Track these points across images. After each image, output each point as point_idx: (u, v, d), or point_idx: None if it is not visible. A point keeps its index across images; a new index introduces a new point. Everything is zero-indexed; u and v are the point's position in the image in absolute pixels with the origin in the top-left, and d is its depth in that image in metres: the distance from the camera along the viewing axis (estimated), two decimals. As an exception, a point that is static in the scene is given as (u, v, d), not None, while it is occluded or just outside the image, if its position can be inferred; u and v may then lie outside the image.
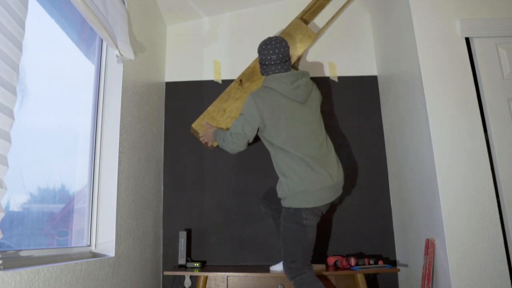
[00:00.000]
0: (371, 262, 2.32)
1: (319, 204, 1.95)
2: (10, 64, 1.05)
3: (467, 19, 2.14)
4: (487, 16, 2.16)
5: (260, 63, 2.13)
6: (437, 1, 2.19)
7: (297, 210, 1.95)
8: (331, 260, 2.42)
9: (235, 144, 2.07)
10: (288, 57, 2.10)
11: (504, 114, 2.05)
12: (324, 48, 2.94)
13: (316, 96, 2.16)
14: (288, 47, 2.11)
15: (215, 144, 2.44)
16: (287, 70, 2.09)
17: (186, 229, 2.66)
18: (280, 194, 2.03)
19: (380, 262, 2.36)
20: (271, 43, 2.07)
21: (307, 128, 2.03)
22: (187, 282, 2.49)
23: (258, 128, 2.04)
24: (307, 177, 1.94)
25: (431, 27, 2.15)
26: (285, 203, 2.00)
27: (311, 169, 1.94)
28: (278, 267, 2.26)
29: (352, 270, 2.24)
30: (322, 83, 2.87)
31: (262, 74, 2.15)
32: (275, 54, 2.05)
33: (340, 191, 2.06)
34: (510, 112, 2.05)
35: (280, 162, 2.02)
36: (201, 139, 2.43)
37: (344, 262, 2.31)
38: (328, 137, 2.13)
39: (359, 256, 2.58)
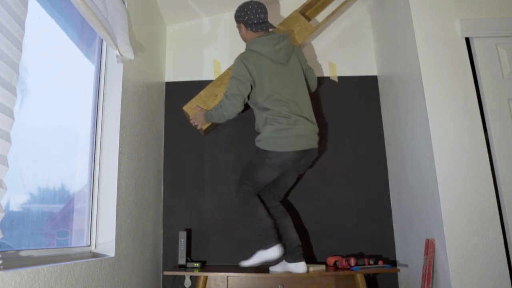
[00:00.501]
0: (371, 262, 2.32)
1: (286, 150, 2.09)
2: (10, 64, 1.05)
3: (467, 19, 2.14)
4: (487, 16, 2.16)
5: (246, 23, 2.26)
6: (437, 1, 2.19)
7: (265, 151, 2.13)
8: (331, 260, 2.42)
9: (233, 105, 2.17)
10: (267, 19, 2.27)
11: (504, 114, 2.05)
12: (324, 48, 2.94)
13: (299, 58, 2.30)
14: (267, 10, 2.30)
15: (204, 127, 2.50)
16: (268, 28, 2.28)
17: (186, 229, 2.66)
18: (256, 139, 2.20)
19: (380, 262, 2.36)
20: (253, 5, 2.24)
21: (288, 88, 2.17)
22: (187, 282, 2.49)
23: (251, 90, 2.19)
24: (282, 127, 2.10)
25: (431, 27, 2.15)
26: (258, 145, 2.18)
27: (287, 122, 2.11)
28: (278, 268, 2.26)
29: (352, 270, 2.24)
30: (322, 83, 2.87)
31: (250, 31, 2.28)
32: (262, 13, 2.23)
33: (310, 145, 2.16)
34: (510, 112, 2.05)
35: (261, 117, 2.19)
36: (191, 121, 2.48)
37: (344, 262, 2.31)
38: (309, 98, 2.28)
39: (359, 256, 2.58)
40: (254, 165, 2.19)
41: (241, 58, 2.18)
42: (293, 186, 2.69)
